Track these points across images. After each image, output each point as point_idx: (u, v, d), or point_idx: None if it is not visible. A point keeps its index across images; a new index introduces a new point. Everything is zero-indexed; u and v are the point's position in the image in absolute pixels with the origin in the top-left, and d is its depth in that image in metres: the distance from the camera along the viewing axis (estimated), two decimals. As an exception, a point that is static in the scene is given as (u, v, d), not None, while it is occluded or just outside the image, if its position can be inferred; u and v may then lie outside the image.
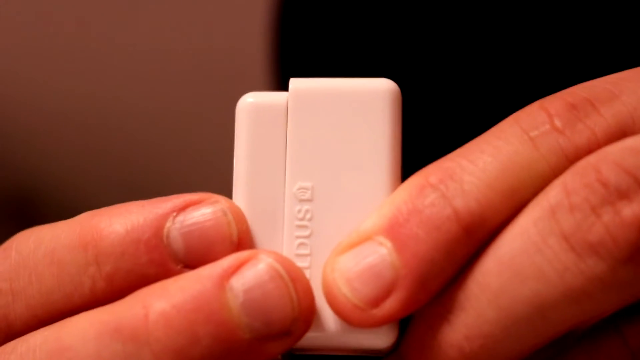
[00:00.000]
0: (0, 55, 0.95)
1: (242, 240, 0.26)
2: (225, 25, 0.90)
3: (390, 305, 0.25)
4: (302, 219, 0.27)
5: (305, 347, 0.26)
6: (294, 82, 0.27)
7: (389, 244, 0.25)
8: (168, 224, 0.26)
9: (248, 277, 0.25)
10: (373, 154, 0.27)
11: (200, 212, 0.26)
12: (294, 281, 0.25)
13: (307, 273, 0.26)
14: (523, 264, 0.25)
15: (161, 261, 0.26)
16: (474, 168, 0.25)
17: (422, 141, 0.41)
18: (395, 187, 0.26)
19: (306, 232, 0.27)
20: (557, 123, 0.25)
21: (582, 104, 0.26)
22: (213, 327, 0.25)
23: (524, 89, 0.44)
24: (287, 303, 0.25)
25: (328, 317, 0.26)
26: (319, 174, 0.27)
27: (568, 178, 0.25)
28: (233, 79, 0.87)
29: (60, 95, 0.95)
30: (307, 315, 0.25)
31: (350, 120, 0.27)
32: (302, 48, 0.52)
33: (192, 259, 0.26)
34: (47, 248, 0.27)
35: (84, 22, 0.93)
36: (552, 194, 0.25)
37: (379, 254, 0.25)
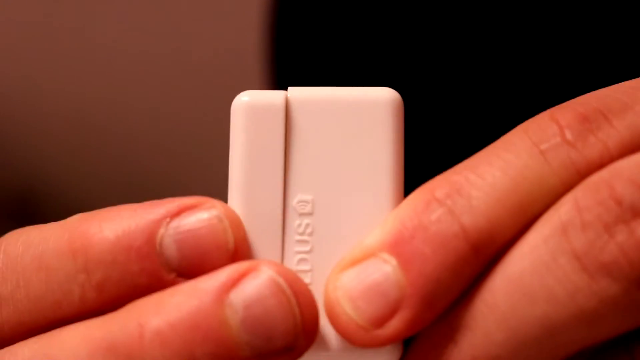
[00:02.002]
0: (0, 55, 0.94)
1: (239, 248, 0.25)
2: (222, 26, 0.89)
3: (395, 325, 0.24)
4: (302, 234, 0.26)
5: None
6: (293, 92, 0.26)
7: (393, 261, 0.24)
8: (161, 231, 0.25)
9: (248, 291, 0.24)
10: (375, 166, 0.26)
11: (195, 218, 0.25)
12: (297, 295, 0.24)
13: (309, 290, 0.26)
14: (533, 283, 0.24)
15: (154, 270, 0.25)
16: (482, 182, 0.24)
17: (424, 152, 0.40)
18: (398, 200, 0.26)
19: (307, 247, 0.26)
20: (569, 135, 0.25)
21: (594, 115, 0.25)
22: (211, 346, 0.23)
23: (528, 95, 0.44)
24: (289, 318, 0.24)
25: (329, 335, 0.25)
26: (320, 187, 0.26)
27: (580, 194, 0.24)
28: (230, 80, 0.87)
29: (60, 95, 0.95)
30: (311, 330, 0.24)
31: (352, 131, 0.26)
32: (299, 48, 0.51)
33: (186, 267, 0.25)
34: (35, 252, 0.25)
35: (84, 22, 0.92)
36: (563, 211, 0.24)
37: (383, 272, 0.24)
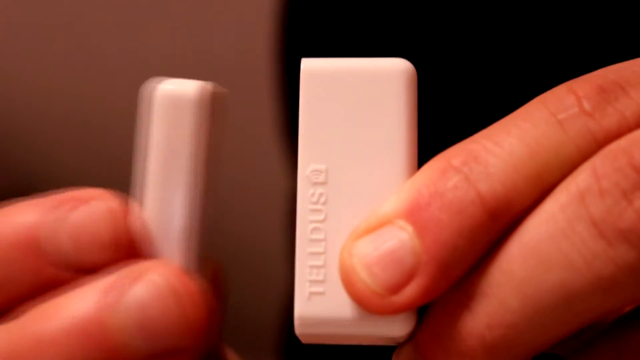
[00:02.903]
0: (0, 55, 0.94)
1: (129, 244, 0.25)
2: (229, 22, 0.89)
3: (410, 291, 0.24)
4: (316, 203, 0.26)
5: (318, 335, 0.25)
6: (306, 62, 0.26)
7: (409, 228, 0.24)
8: (50, 224, 0.24)
9: (135, 295, 0.24)
10: (389, 135, 0.26)
11: (86, 211, 0.25)
12: (185, 297, 0.24)
13: (322, 259, 0.25)
14: (549, 250, 0.24)
15: (42, 266, 0.24)
16: (499, 150, 0.24)
17: (436, 123, 0.40)
18: (412, 169, 0.25)
19: (320, 217, 0.26)
20: (586, 106, 0.24)
21: (611, 86, 0.25)
22: (97, 351, 0.24)
23: (544, 66, 0.44)
24: (176, 322, 0.24)
25: (343, 304, 0.25)
26: (333, 156, 0.26)
27: (598, 162, 0.24)
28: (236, 79, 0.87)
29: (60, 96, 0.95)
30: (199, 332, 0.24)
31: (365, 100, 0.26)
32: (308, 45, 0.51)
33: (76, 262, 0.24)
34: None
35: (85, 21, 0.92)
36: (581, 178, 0.24)
37: (399, 239, 0.24)
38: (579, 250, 0.23)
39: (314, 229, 0.26)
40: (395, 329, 0.25)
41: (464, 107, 0.45)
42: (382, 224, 0.25)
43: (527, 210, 0.24)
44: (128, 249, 0.25)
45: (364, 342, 0.26)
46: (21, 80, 0.96)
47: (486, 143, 0.24)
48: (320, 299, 0.25)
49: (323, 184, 0.26)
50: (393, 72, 0.26)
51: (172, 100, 0.26)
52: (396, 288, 0.24)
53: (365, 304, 0.24)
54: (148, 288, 0.24)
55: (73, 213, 0.25)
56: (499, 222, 0.24)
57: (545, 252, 0.24)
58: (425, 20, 0.46)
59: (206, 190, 0.26)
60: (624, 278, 0.23)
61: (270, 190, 0.79)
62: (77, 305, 0.24)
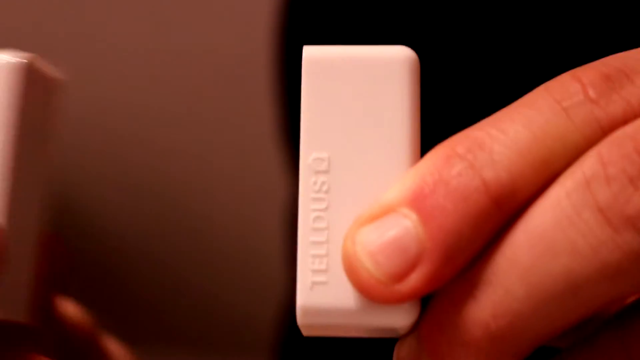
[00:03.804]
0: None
1: None
2: (229, 23, 0.89)
3: (415, 280, 0.24)
4: (318, 191, 0.25)
5: (321, 325, 0.25)
6: (308, 50, 0.26)
7: (413, 215, 0.24)
8: None
9: None
10: (392, 123, 0.25)
11: None
12: None
13: (325, 248, 0.25)
14: (555, 238, 0.23)
15: None
16: (504, 137, 0.24)
17: (439, 111, 0.39)
18: (415, 158, 0.25)
19: (323, 205, 0.25)
20: (591, 93, 0.24)
21: (616, 74, 0.25)
22: None
23: (548, 56, 0.43)
24: None
25: (346, 293, 0.25)
26: (336, 144, 0.25)
27: (604, 149, 0.24)
28: (236, 79, 0.87)
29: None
30: None
31: (368, 88, 0.25)
32: (308, 43, 0.51)
33: None
34: None
35: (85, 21, 0.92)
36: (587, 165, 0.24)
37: (403, 227, 0.24)
38: (585, 237, 0.23)
39: (317, 218, 0.25)
40: (399, 319, 0.25)
41: (467, 95, 0.45)
42: (386, 211, 0.24)
43: (532, 198, 0.24)
44: None
45: (366, 334, 0.26)
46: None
47: (491, 130, 0.24)
48: (323, 289, 0.25)
49: (325, 172, 0.25)
50: (396, 60, 0.26)
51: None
52: (400, 276, 0.24)
53: (369, 293, 0.24)
54: None
55: None
56: (504, 209, 0.24)
57: (551, 239, 0.23)
58: (427, 8, 0.46)
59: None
60: (630, 265, 0.23)
61: (268, 189, 0.79)
62: None
